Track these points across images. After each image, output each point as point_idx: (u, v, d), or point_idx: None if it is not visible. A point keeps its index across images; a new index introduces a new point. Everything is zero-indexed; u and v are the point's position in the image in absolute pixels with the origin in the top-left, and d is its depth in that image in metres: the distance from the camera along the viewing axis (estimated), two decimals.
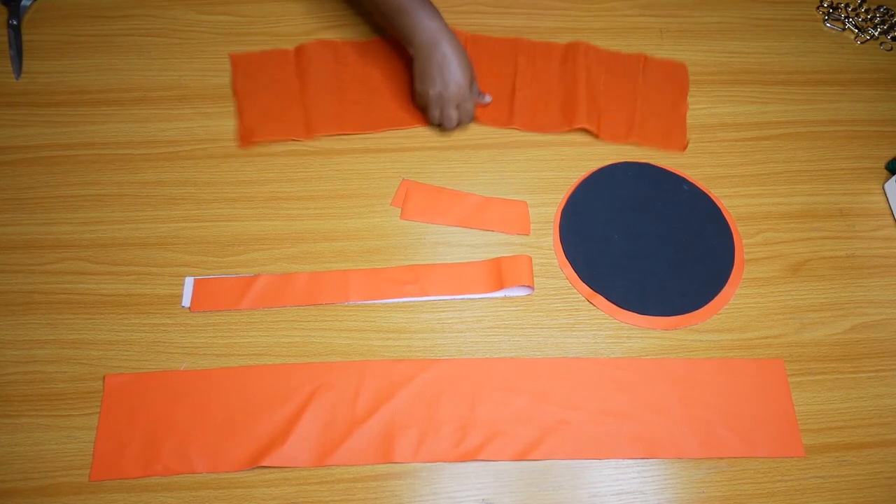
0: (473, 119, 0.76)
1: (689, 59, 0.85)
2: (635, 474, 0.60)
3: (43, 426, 0.60)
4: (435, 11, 0.71)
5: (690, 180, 0.75)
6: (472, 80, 0.73)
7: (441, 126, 0.75)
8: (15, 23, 0.81)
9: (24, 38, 0.82)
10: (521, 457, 0.60)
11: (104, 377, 0.62)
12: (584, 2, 0.89)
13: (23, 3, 0.83)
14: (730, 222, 0.73)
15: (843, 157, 0.78)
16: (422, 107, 0.76)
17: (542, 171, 0.76)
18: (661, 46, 0.86)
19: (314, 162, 0.75)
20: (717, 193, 0.75)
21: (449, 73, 0.70)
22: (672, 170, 0.76)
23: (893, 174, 0.76)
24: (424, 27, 0.70)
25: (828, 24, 0.89)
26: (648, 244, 0.71)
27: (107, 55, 0.81)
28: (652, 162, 0.76)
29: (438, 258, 0.69)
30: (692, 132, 0.79)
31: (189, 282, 0.67)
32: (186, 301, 0.66)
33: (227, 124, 0.77)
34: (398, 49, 0.80)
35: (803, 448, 0.61)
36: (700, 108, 0.81)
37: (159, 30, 0.84)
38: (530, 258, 0.68)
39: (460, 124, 0.75)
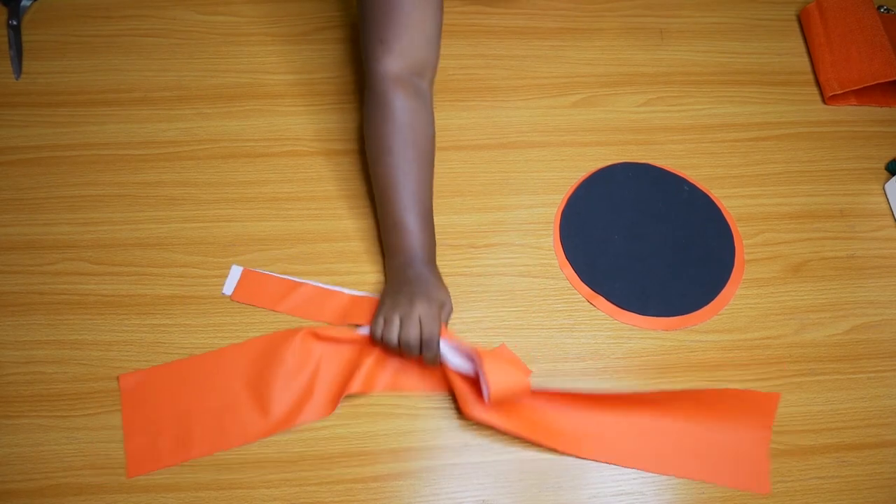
0: (435, 343, 0.59)
1: (689, 60, 0.85)
2: (635, 475, 0.60)
3: (43, 427, 0.60)
4: (430, 241, 0.64)
5: (690, 181, 0.75)
6: (441, 304, 0.61)
7: (385, 344, 0.61)
8: (15, 23, 0.81)
9: (24, 38, 0.82)
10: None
11: (118, 378, 0.62)
12: (584, 2, 0.89)
13: (23, 3, 0.83)
14: (730, 223, 0.73)
15: (843, 158, 0.78)
16: (373, 331, 0.62)
17: (543, 171, 0.76)
18: (661, 46, 0.86)
19: (314, 162, 0.75)
20: (717, 194, 0.75)
21: (415, 291, 0.60)
22: (672, 170, 0.76)
23: (894, 175, 0.76)
24: (414, 254, 0.63)
25: None
26: (648, 245, 0.71)
27: (107, 55, 0.81)
28: (652, 162, 0.76)
29: (438, 259, 0.69)
30: (693, 132, 0.79)
31: (236, 271, 0.67)
32: (229, 289, 0.66)
33: (228, 125, 0.77)
34: None
35: (770, 486, 0.60)
36: (700, 108, 0.81)
37: (159, 30, 0.84)
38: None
39: (412, 347, 0.59)
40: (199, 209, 0.71)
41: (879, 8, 0.87)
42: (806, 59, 0.86)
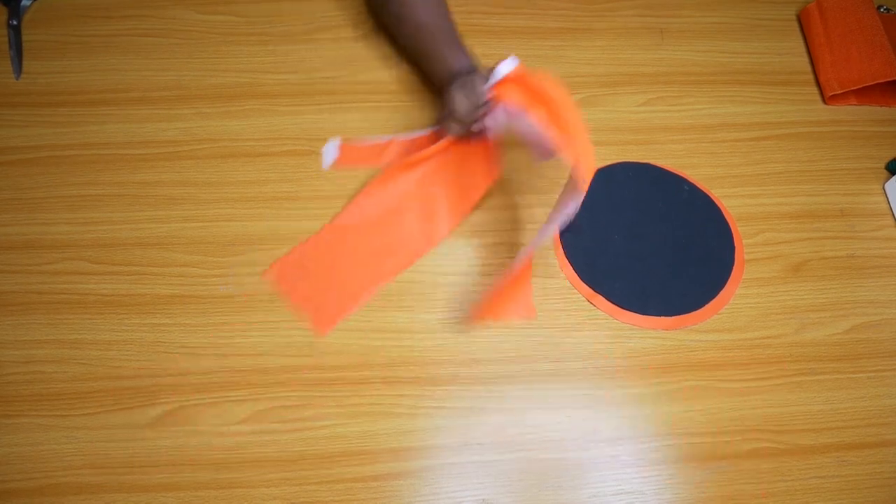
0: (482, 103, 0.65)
1: (689, 59, 0.85)
2: (635, 474, 0.60)
3: (43, 426, 0.60)
4: (466, 55, 0.69)
5: (690, 180, 0.75)
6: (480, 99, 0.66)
7: (451, 122, 0.67)
8: (15, 23, 0.81)
9: (24, 38, 0.82)
10: None
11: (262, 275, 0.67)
12: (584, 2, 0.89)
13: (23, 3, 0.83)
14: (730, 222, 0.73)
15: (843, 157, 0.78)
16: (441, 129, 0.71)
17: (542, 171, 0.76)
18: (661, 46, 0.86)
19: (314, 162, 0.75)
20: (717, 193, 0.75)
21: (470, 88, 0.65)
22: (672, 170, 0.76)
23: (894, 174, 0.76)
24: (456, 71, 0.68)
25: None
26: (648, 244, 0.71)
27: (107, 55, 0.81)
28: (652, 162, 0.76)
29: (438, 258, 0.69)
30: (693, 132, 0.79)
31: (332, 145, 0.74)
32: (328, 161, 0.73)
33: (227, 124, 0.77)
34: None
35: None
36: (700, 108, 0.81)
37: (159, 30, 0.84)
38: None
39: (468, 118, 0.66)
40: (198, 209, 0.71)
41: (879, 8, 0.87)
42: (806, 59, 0.86)
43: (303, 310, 0.66)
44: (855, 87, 0.79)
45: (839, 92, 0.80)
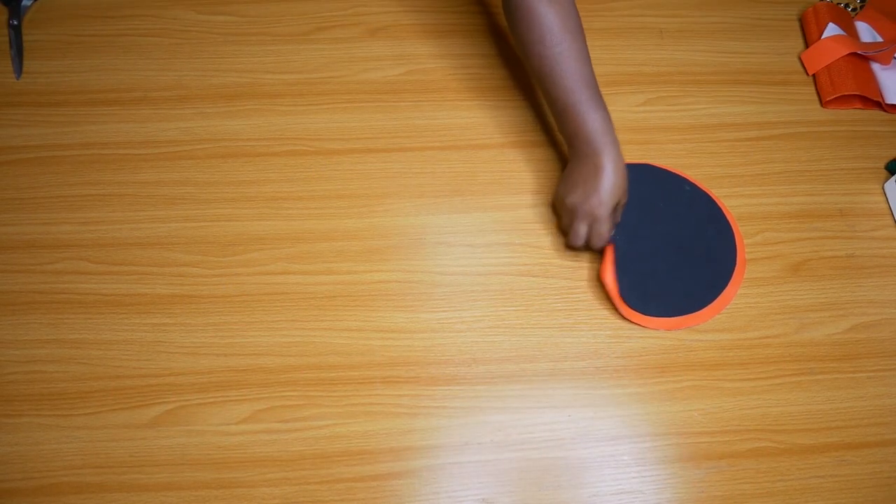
0: (604, 244, 0.67)
1: (689, 59, 0.85)
2: (635, 474, 0.60)
3: (43, 426, 0.60)
4: (606, 118, 0.66)
5: (691, 180, 0.75)
6: (619, 202, 0.67)
7: (567, 239, 0.69)
8: (15, 23, 0.81)
9: (25, 38, 0.82)
10: None
11: None
12: (585, 2, 0.89)
13: (23, 3, 0.83)
14: (731, 222, 0.73)
15: (842, 157, 0.78)
16: (556, 212, 0.72)
17: (543, 170, 0.76)
18: (661, 46, 0.86)
19: (314, 162, 0.75)
20: (717, 193, 0.75)
21: (594, 186, 0.65)
22: (672, 170, 0.76)
23: (893, 174, 0.76)
24: (588, 132, 0.65)
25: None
26: (649, 244, 0.71)
27: (107, 55, 0.81)
28: (652, 162, 0.76)
29: (438, 258, 0.70)
30: (693, 132, 0.79)
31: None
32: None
33: (228, 124, 0.77)
34: None
35: None
36: (700, 108, 0.81)
37: (159, 30, 0.84)
38: None
39: (589, 246, 0.68)
40: (198, 208, 0.72)
41: (846, 7, 0.89)
42: None
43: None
44: (848, 93, 0.79)
45: (834, 97, 0.80)
